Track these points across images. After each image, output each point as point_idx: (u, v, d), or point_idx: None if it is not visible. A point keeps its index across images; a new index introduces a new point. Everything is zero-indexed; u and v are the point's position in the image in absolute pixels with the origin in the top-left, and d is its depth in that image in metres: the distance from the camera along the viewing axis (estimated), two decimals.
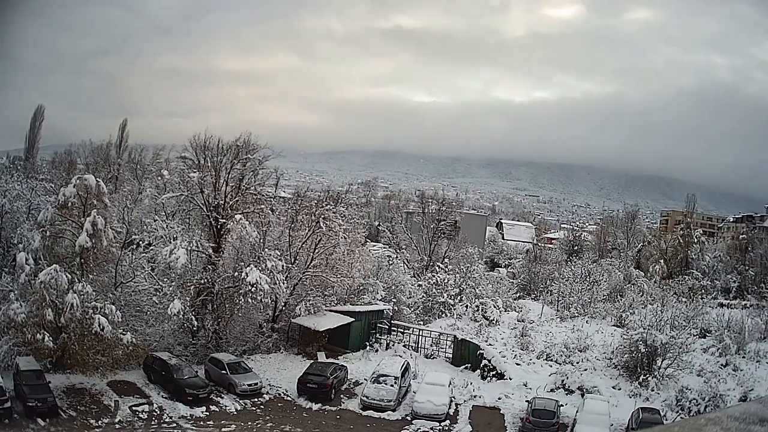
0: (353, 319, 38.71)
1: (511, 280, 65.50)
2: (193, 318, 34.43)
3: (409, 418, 30.41)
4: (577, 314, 51.71)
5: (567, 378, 34.65)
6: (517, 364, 38.26)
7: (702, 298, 50.87)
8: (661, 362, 35.39)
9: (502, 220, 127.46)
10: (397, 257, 53.45)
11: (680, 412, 31.65)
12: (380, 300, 43.11)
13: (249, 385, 31.63)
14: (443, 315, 48.04)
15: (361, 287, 42.35)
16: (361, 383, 33.35)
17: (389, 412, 30.70)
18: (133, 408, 28.67)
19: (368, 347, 38.78)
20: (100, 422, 27.06)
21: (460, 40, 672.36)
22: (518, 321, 48.49)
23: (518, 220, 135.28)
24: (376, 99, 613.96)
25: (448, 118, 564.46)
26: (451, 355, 38.22)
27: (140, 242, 37.47)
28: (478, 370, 35.92)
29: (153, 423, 27.86)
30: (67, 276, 29.16)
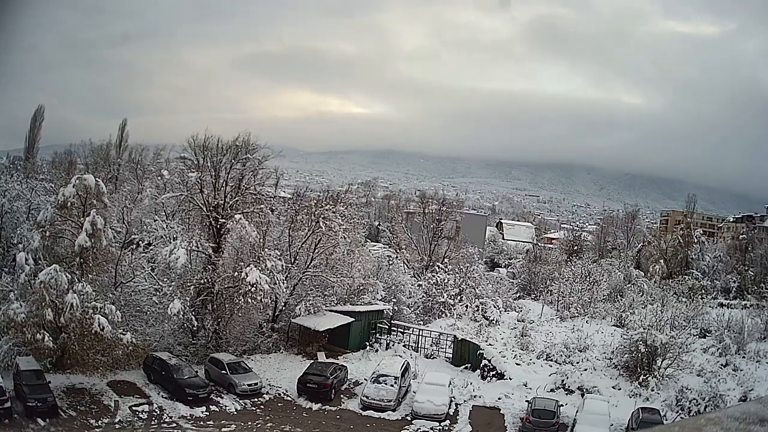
0: (353, 319, 38.70)
1: (511, 280, 65.51)
2: (193, 318, 34.45)
3: (409, 418, 30.41)
4: (577, 314, 51.68)
5: (567, 378, 34.65)
6: (517, 364, 38.25)
7: (702, 298, 50.83)
8: (661, 362, 35.38)
9: (502, 220, 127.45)
10: (397, 257, 53.41)
11: (680, 412, 31.64)
12: (380, 300, 43.09)
13: (249, 385, 31.62)
14: (443, 315, 48.01)
15: (361, 287, 42.32)
16: (361, 383, 33.34)
17: (389, 412, 30.70)
18: (133, 408, 28.67)
19: (368, 347, 38.76)
20: (100, 422, 27.07)
21: (579, 38, 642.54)
22: (518, 321, 48.50)
23: (518, 220, 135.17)
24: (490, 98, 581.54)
25: (565, 126, 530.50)
26: (451, 355, 38.22)
27: (140, 242, 37.52)
28: (478, 370, 35.92)
29: (153, 423, 27.85)
30: (66, 276, 29.16)
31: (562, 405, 30.79)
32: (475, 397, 33.22)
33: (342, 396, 32.59)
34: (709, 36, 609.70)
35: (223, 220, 36.36)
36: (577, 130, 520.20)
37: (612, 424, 29.45)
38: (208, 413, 29.33)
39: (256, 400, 31.37)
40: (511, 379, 35.36)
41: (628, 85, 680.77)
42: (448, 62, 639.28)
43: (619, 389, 34.89)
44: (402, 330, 41.05)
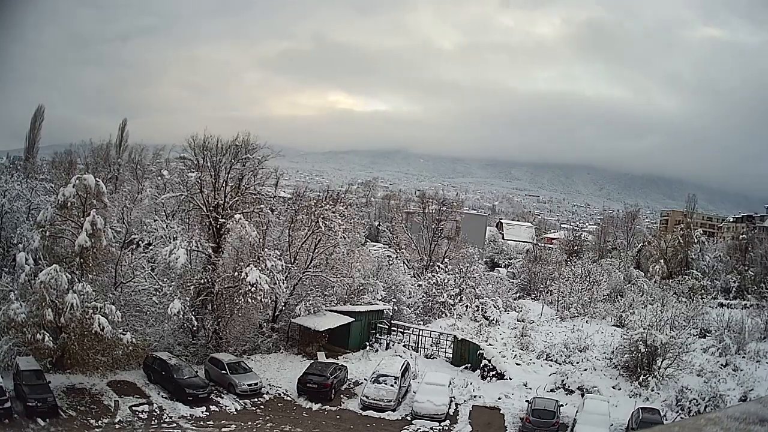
0: (353, 319, 38.69)
1: (511, 280, 65.51)
2: (193, 318, 34.44)
3: (409, 418, 30.39)
4: (577, 314, 51.68)
5: (567, 378, 34.63)
6: (517, 364, 38.22)
7: (702, 298, 50.86)
8: (661, 362, 35.37)
9: (502, 220, 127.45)
10: (397, 257, 53.40)
11: (680, 412, 31.63)
12: (380, 300, 43.08)
13: (249, 385, 31.62)
14: (443, 315, 48.01)
15: (361, 287, 42.33)
16: (361, 383, 33.33)
17: (389, 412, 30.68)
18: (133, 408, 28.66)
19: (368, 347, 38.75)
20: (100, 422, 27.05)
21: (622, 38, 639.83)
22: (518, 321, 48.50)
23: (518, 220, 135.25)
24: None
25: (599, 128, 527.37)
26: (451, 355, 38.21)
27: (140, 242, 37.53)
28: (478, 370, 35.90)
29: (153, 423, 27.84)
30: (67, 276, 29.15)
31: (562, 405, 30.77)
32: (475, 397, 33.20)
33: (342, 396, 32.58)
34: (749, 45, 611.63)
35: (223, 220, 36.35)
36: (607, 134, 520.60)
37: (612, 424, 29.43)
38: (208, 413, 29.32)
39: (256, 400, 31.36)
40: (511, 379, 35.34)
41: (662, 89, 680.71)
42: (486, 63, 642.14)
43: (619, 389, 34.87)
44: (402, 330, 41.04)
